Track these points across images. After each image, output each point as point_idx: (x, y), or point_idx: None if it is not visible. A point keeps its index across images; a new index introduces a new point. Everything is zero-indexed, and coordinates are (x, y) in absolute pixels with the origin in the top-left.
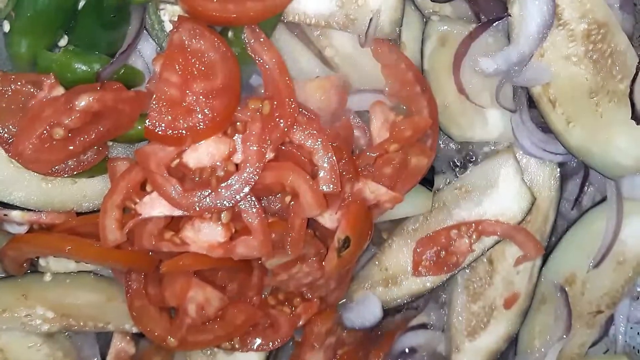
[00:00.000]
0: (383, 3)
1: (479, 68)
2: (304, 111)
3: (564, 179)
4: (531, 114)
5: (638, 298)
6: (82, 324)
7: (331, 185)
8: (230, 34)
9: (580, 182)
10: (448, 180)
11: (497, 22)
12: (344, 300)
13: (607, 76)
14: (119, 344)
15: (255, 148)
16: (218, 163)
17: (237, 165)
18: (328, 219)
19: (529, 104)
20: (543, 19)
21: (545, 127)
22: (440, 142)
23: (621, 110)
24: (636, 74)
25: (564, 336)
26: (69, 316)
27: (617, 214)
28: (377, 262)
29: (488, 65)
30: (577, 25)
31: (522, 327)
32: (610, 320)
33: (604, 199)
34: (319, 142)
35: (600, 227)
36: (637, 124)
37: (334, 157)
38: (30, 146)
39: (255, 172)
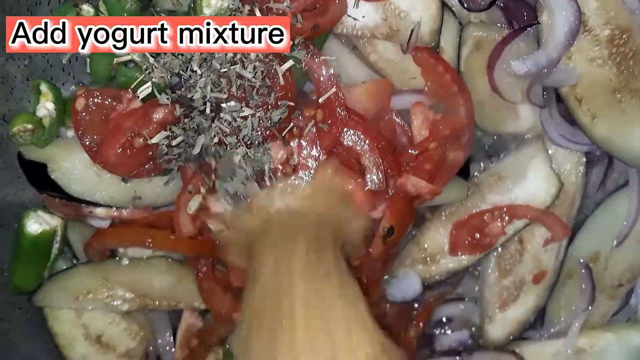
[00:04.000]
0: (423, 15)
1: (511, 70)
2: (352, 116)
3: (589, 165)
4: (559, 108)
5: None
6: (157, 303)
7: (377, 184)
8: None
9: (605, 168)
10: (483, 167)
11: (527, 29)
12: (388, 277)
13: (630, 76)
14: (189, 319)
15: (309, 152)
16: (279, 166)
17: (294, 167)
18: (374, 211)
19: (556, 99)
20: (570, 26)
21: (571, 120)
22: (477, 133)
23: None
24: None
25: (588, 307)
26: (146, 296)
27: (638, 198)
28: (417, 242)
29: (519, 67)
30: (602, 31)
31: (549, 299)
32: (631, 292)
33: (626, 183)
34: (366, 145)
35: (622, 210)
36: None
37: (380, 158)
38: (114, 154)
39: (310, 173)
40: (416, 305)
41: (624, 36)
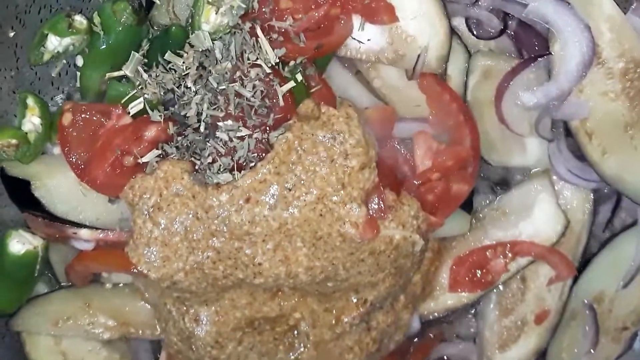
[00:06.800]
0: (431, 40)
1: (519, 101)
2: None
3: (597, 202)
4: (567, 142)
5: None
6: (140, 332)
7: (376, 211)
8: (286, 68)
9: (613, 207)
10: (487, 200)
11: (538, 59)
12: None
13: None
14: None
15: None
16: None
17: None
18: None
19: (565, 132)
20: (583, 58)
21: (580, 155)
22: (482, 165)
23: None
24: None
25: (591, 351)
26: (129, 325)
27: None
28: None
29: (528, 99)
30: (616, 63)
31: (552, 341)
32: (635, 335)
33: (634, 223)
34: None
35: (630, 250)
36: None
37: (381, 187)
38: (103, 173)
39: None
40: (414, 342)
41: (638, 70)
